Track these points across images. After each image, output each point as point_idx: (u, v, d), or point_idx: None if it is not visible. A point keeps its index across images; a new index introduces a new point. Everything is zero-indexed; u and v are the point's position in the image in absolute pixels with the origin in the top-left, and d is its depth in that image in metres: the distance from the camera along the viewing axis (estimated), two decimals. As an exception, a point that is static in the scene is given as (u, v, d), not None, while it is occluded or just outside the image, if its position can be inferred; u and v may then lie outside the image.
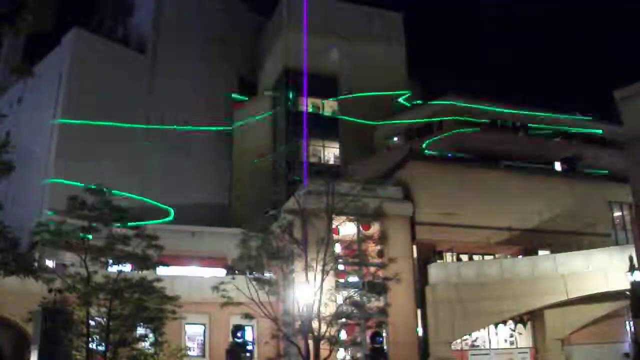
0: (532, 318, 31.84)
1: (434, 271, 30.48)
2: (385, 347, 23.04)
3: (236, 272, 26.50)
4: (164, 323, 21.99)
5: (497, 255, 34.26)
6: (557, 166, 40.31)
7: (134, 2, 51.58)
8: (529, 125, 42.74)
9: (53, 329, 15.12)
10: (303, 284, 23.02)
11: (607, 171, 37.81)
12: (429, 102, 44.04)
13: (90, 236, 20.90)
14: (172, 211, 40.66)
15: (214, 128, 47.02)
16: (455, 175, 33.54)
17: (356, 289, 24.95)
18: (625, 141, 27.48)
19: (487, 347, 31.51)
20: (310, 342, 22.13)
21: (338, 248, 27.08)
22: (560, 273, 29.30)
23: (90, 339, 20.18)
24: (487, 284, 29.60)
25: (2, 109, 34.42)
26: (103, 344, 20.35)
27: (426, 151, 38.26)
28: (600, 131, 44.95)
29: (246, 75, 52.22)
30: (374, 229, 28.51)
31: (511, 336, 32.02)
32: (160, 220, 37.64)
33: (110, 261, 22.59)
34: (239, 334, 19.90)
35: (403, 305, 29.00)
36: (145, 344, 21.94)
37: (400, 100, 47.29)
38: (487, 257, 33.85)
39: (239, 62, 52.02)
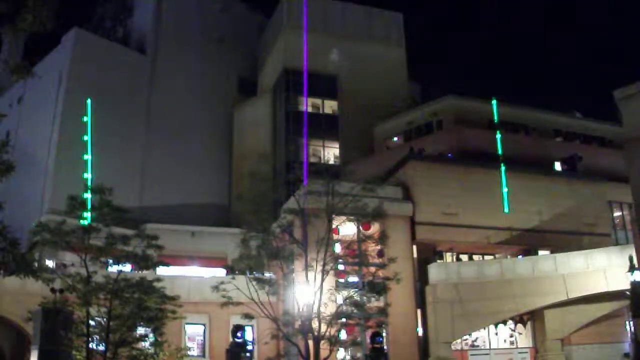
0: (532, 318, 31.84)
1: (434, 271, 30.48)
2: (385, 347, 23.03)
3: (236, 272, 26.50)
4: (164, 323, 22.00)
5: (497, 255, 34.28)
6: (557, 166, 40.30)
7: (134, 2, 51.57)
8: (529, 125, 42.71)
9: (53, 329, 15.09)
10: (303, 284, 23.01)
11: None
12: (429, 102, 44.02)
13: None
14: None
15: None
16: (455, 175, 33.54)
17: (356, 289, 24.96)
18: (625, 141, 27.48)
19: (487, 347, 31.52)
20: (310, 342, 22.12)
21: (338, 248, 27.06)
22: (560, 273, 29.32)
23: (90, 339, 20.18)
24: (487, 284, 29.62)
25: (2, 109, 34.38)
26: (103, 344, 20.35)
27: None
28: (600, 131, 44.94)
29: (246, 75, 52.19)
30: (374, 229, 28.52)
31: (511, 336, 32.02)
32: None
33: (110, 261, 22.60)
34: (239, 334, 19.88)
35: (403, 305, 28.99)
36: (145, 344, 21.95)
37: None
38: (487, 257, 33.88)
39: (239, 62, 52.00)
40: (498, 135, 37.09)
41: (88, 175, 37.23)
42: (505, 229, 33.28)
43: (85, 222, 21.22)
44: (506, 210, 33.50)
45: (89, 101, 40.14)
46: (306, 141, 41.71)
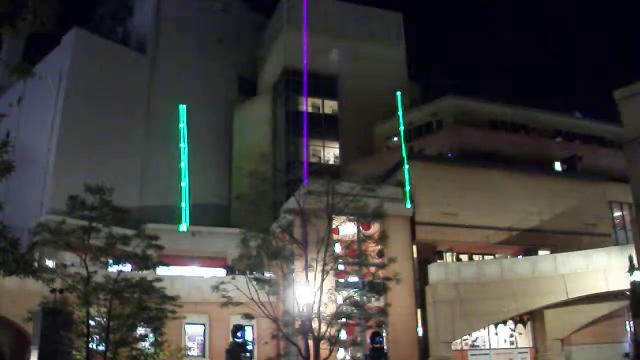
0: (532, 318, 31.85)
1: (434, 271, 30.49)
2: (385, 347, 23.02)
3: (236, 272, 26.51)
4: (164, 323, 22.00)
5: (497, 255, 34.28)
6: (557, 166, 40.31)
7: (134, 2, 51.56)
8: (529, 125, 42.73)
9: (53, 329, 15.10)
10: (303, 284, 23.01)
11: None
12: (428, 102, 44.03)
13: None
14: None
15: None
16: (455, 175, 33.56)
17: (356, 289, 24.96)
18: (625, 141, 27.49)
19: (487, 347, 31.52)
20: (310, 342, 22.12)
21: (338, 248, 27.07)
22: (560, 273, 29.33)
23: (90, 339, 20.17)
24: (487, 284, 29.63)
25: (2, 109, 34.42)
26: (103, 344, 20.34)
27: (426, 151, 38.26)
28: (600, 131, 44.95)
29: (246, 75, 52.21)
30: (374, 229, 28.51)
31: (511, 336, 32.03)
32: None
33: (110, 261, 22.59)
34: (239, 334, 19.86)
35: (403, 305, 29.01)
36: (145, 344, 21.94)
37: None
38: (487, 257, 33.89)
39: (239, 62, 52.01)
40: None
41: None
42: (505, 229, 33.29)
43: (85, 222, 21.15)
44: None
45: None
46: (306, 141, 41.70)
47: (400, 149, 36.11)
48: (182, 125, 40.96)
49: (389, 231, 26.41)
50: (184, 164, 39.45)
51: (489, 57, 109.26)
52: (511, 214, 33.63)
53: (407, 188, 32.23)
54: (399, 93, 38.77)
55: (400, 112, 37.48)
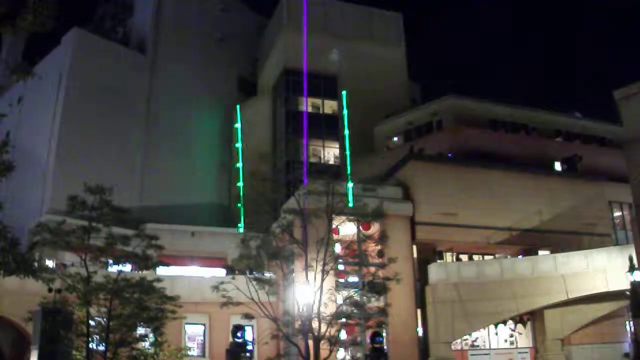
0: (532, 318, 31.86)
1: (434, 271, 30.49)
2: (385, 347, 23.01)
3: (236, 272, 26.51)
4: (163, 323, 22.01)
5: (497, 255, 34.27)
6: (557, 166, 40.30)
7: (134, 2, 51.55)
8: (529, 125, 42.72)
9: (53, 329, 15.09)
10: (303, 284, 23.02)
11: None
12: (429, 102, 44.02)
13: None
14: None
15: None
16: (455, 175, 33.55)
17: (356, 289, 24.97)
18: (625, 141, 27.47)
19: (487, 347, 31.53)
20: (310, 342, 22.13)
21: (338, 248, 27.07)
22: (560, 273, 29.31)
23: (90, 339, 20.19)
24: (487, 284, 29.62)
25: (2, 109, 34.40)
26: (103, 344, 20.36)
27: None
28: (600, 131, 44.93)
29: (246, 75, 52.20)
30: (374, 229, 28.52)
31: (511, 336, 32.03)
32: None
33: (110, 261, 22.60)
34: (239, 334, 19.85)
35: (403, 305, 29.00)
36: (145, 344, 21.96)
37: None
38: (487, 257, 33.87)
39: (239, 62, 52.00)
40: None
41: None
42: (505, 229, 33.26)
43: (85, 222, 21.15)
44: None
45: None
46: (306, 141, 41.66)
47: (400, 149, 36.07)
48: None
49: (389, 231, 26.43)
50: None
51: (489, 57, 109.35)
52: (511, 214, 33.61)
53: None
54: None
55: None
